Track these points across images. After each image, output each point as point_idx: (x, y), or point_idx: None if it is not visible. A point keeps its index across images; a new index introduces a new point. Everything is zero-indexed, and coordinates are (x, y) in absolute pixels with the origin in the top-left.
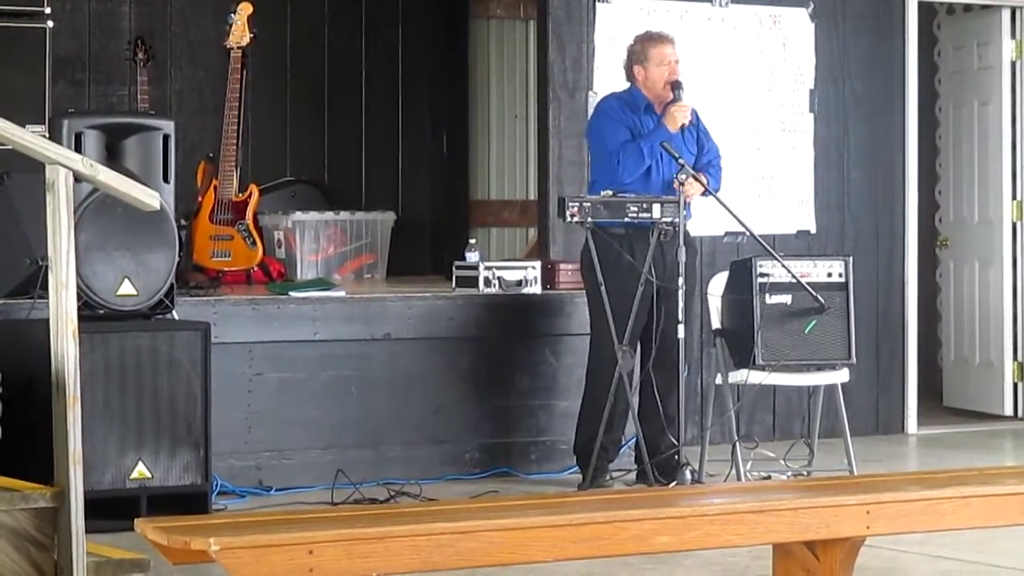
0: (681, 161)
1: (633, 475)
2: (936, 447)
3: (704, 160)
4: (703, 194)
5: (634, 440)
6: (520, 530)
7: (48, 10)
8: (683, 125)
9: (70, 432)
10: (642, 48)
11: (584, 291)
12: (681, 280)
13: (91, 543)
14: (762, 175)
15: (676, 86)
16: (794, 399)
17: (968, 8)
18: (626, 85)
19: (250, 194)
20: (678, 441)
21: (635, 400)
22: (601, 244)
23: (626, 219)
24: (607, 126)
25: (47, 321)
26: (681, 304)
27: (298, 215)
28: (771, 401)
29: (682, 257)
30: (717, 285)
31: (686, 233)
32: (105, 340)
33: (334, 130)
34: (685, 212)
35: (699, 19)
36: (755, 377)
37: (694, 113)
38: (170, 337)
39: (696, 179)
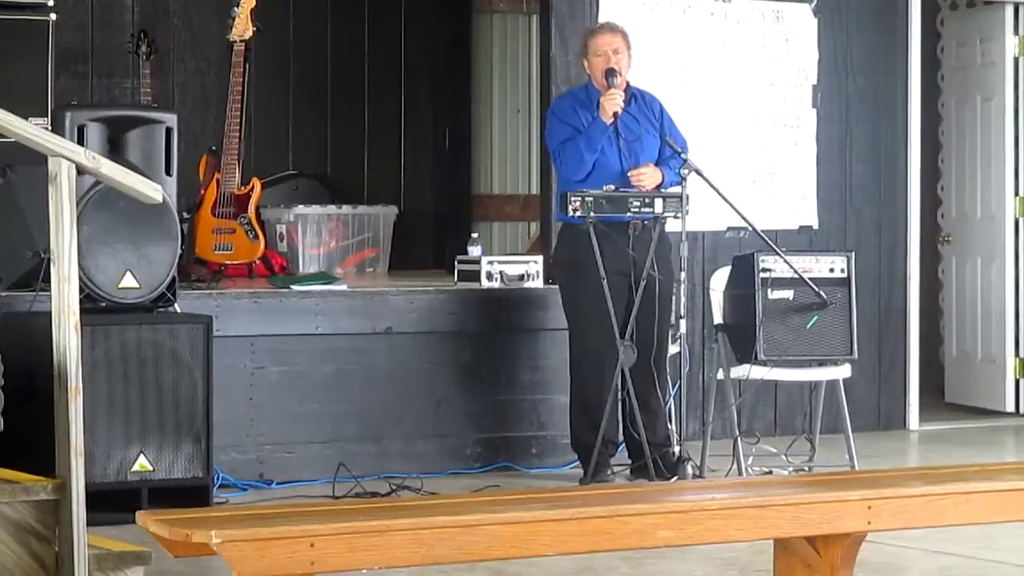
0: (684, 156)
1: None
2: (938, 443)
3: (668, 152)
4: (659, 187)
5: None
6: (522, 524)
7: (51, 2)
8: (616, 114)
9: (72, 424)
10: (584, 42)
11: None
12: (683, 275)
13: (92, 535)
14: (764, 171)
15: (609, 74)
16: (796, 394)
17: (971, 4)
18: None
19: (252, 187)
20: (678, 436)
21: (615, 396)
22: (579, 240)
23: (628, 213)
24: (553, 126)
25: (49, 314)
26: (684, 299)
27: (300, 209)
28: (773, 396)
29: (684, 252)
30: (719, 280)
31: (661, 228)
32: (107, 333)
33: (336, 124)
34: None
35: (702, 14)
36: (757, 372)
37: (658, 103)
38: (172, 330)
39: (698, 173)
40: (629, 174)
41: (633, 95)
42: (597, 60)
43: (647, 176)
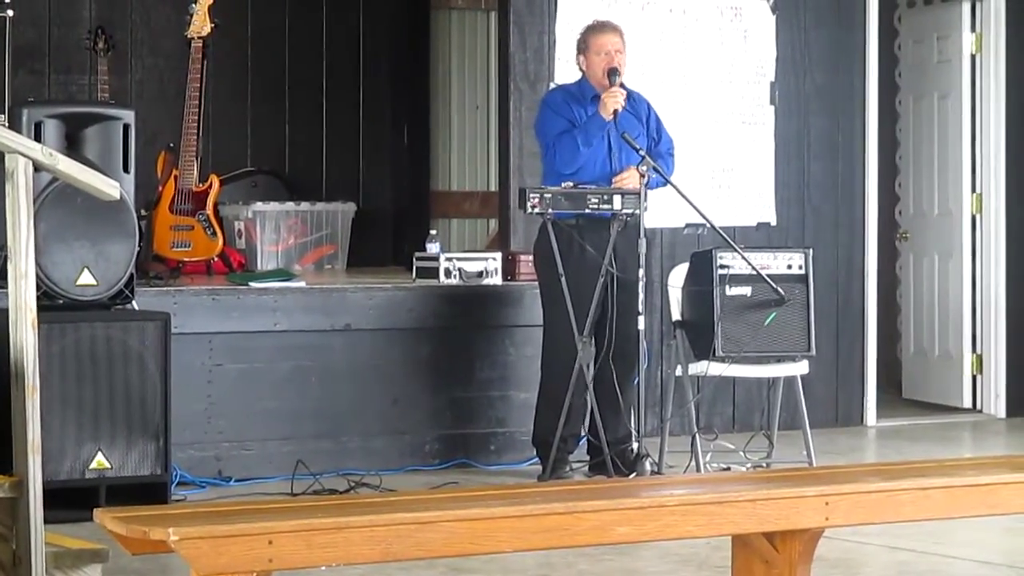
0: (642, 152)
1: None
2: (895, 439)
3: (663, 149)
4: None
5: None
6: (480, 521)
7: None
8: (616, 111)
9: (29, 422)
10: (583, 38)
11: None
12: (642, 272)
13: (50, 533)
14: (723, 167)
15: (611, 73)
16: (754, 391)
17: (928, 1)
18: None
19: (210, 184)
20: (637, 433)
21: (591, 392)
22: (557, 235)
23: (587, 210)
24: (548, 119)
25: (6, 311)
26: (641, 296)
27: (259, 205)
28: (731, 393)
29: (642, 248)
30: (677, 277)
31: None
32: (65, 330)
33: (295, 120)
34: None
35: (660, 10)
36: (715, 369)
37: (646, 103)
38: (130, 327)
39: (656, 170)
40: (614, 179)
41: (626, 94)
42: (599, 59)
43: (629, 180)
